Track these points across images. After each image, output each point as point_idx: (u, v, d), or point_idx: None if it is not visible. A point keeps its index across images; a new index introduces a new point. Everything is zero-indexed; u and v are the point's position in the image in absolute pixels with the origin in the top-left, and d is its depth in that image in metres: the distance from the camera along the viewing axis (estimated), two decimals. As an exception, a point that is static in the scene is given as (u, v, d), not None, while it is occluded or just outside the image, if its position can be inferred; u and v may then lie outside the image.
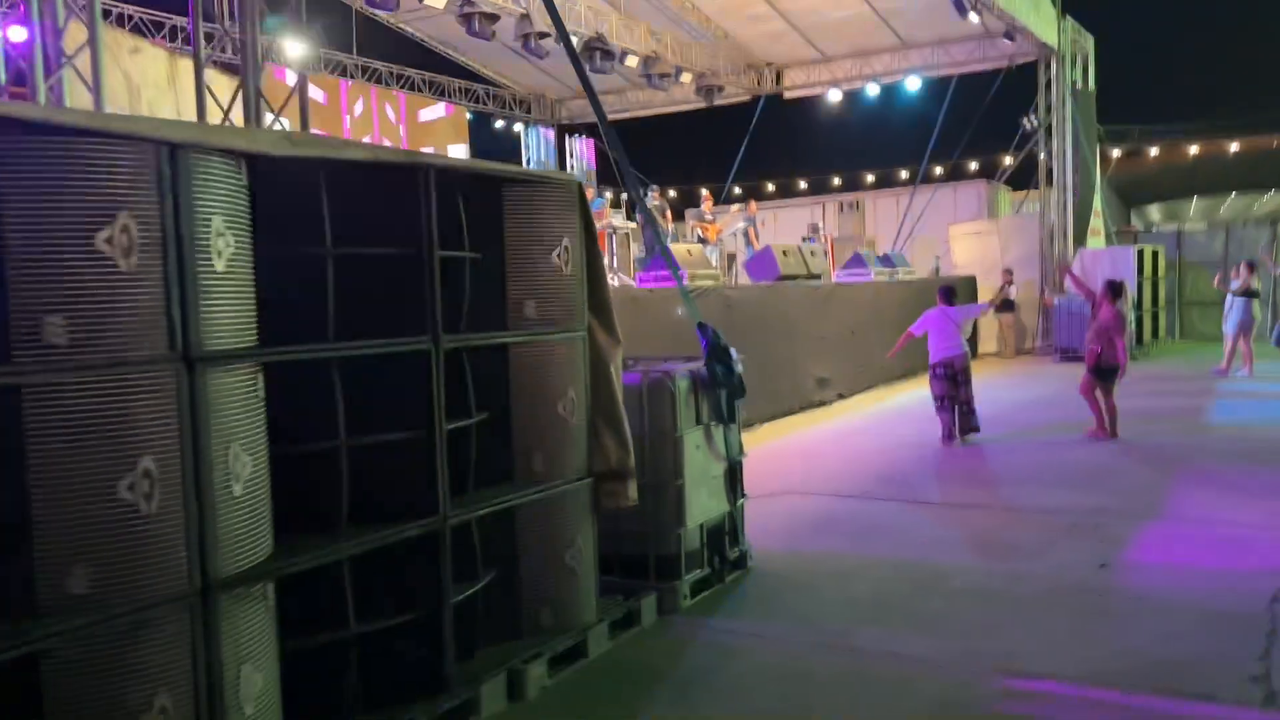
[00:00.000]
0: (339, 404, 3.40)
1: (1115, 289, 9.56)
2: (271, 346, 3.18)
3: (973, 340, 16.57)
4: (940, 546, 6.07)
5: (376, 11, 16.05)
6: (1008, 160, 22.87)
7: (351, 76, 20.06)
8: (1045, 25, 18.57)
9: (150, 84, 5.31)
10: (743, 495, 5.66)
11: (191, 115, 5.26)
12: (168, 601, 2.72)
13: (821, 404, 12.83)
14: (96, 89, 4.40)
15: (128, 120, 2.68)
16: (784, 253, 12.72)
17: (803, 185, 28.47)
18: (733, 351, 5.66)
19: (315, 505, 3.44)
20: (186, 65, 5.37)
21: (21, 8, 5.24)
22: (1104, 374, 9.40)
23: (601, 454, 4.49)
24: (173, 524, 2.73)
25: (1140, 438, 9.33)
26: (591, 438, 4.46)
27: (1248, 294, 13.92)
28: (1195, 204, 33.70)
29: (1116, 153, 30.86)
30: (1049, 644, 4.42)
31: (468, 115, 22.45)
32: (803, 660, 4.37)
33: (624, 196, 20.22)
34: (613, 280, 12.73)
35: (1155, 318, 20.06)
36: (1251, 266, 14.27)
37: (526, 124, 22.25)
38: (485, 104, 23.55)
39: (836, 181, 27.98)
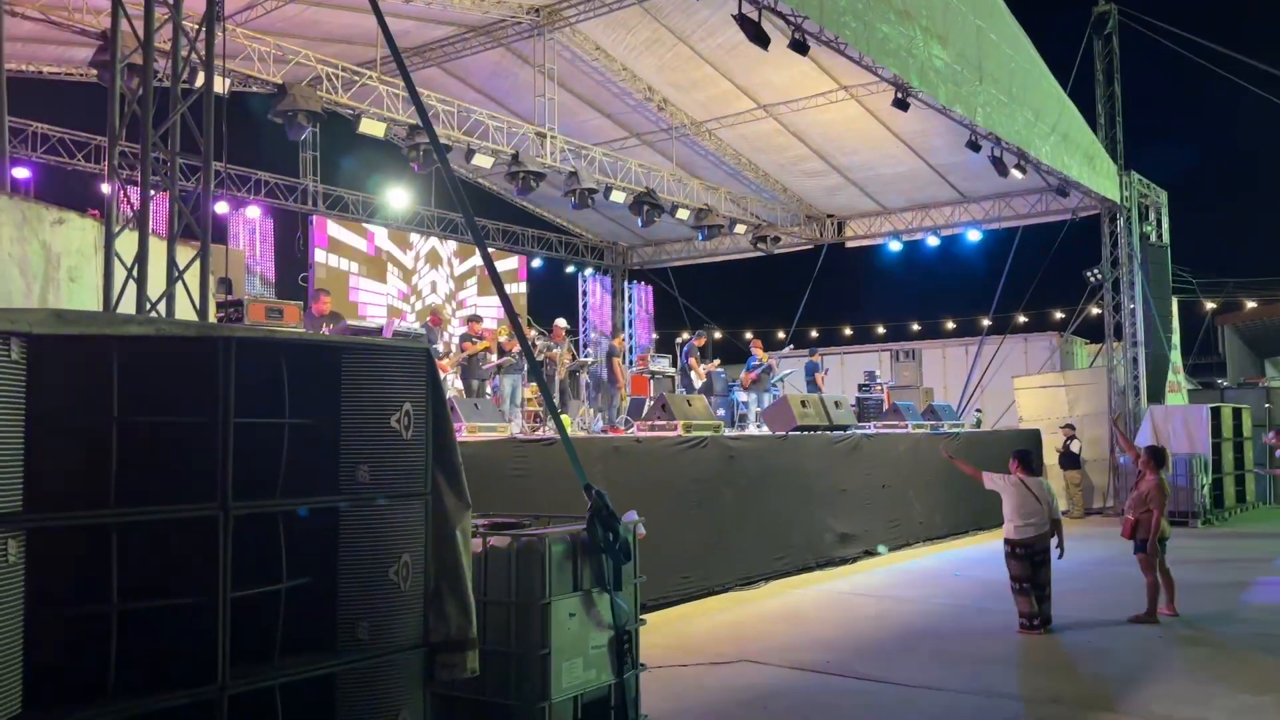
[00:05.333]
0: (113, 567, 3.49)
1: (1158, 456, 9.04)
2: (47, 512, 3.33)
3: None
4: (859, 732, 5.70)
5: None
6: (1086, 311, 22.33)
7: (429, 226, 21.19)
8: (1104, 181, 18.36)
9: (74, 252, 5.81)
10: (634, 667, 5.47)
11: (119, 280, 5.69)
12: None
13: (844, 561, 12.39)
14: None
15: None
16: (802, 403, 12.56)
17: (865, 332, 28.33)
18: (632, 514, 5.58)
19: (91, 669, 3.50)
20: (126, 234, 5.87)
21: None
22: (1158, 545, 8.74)
23: (441, 622, 4.44)
24: (-126, 687, 2.83)
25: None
26: (432, 604, 4.42)
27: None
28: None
29: (1211, 305, 29.83)
30: None
31: (536, 262, 23.40)
32: None
33: (679, 340, 20.47)
34: (633, 430, 12.75)
35: (1239, 480, 18.83)
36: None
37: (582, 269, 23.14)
38: (558, 251, 24.45)
39: (898, 329, 27.75)
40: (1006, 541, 8.40)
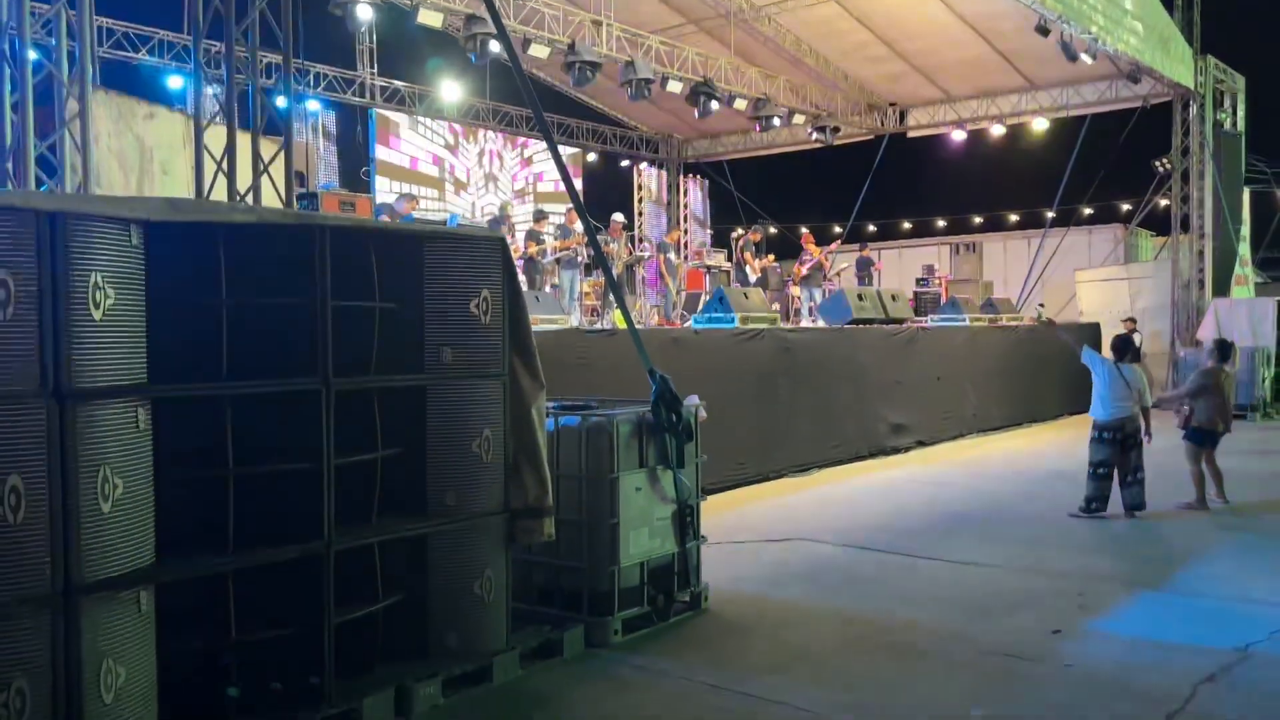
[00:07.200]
0: (229, 435, 3.85)
1: (1223, 349, 9.06)
2: (169, 384, 3.68)
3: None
4: (908, 602, 6.02)
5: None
6: (1153, 202, 21.76)
7: (484, 120, 21.18)
8: (1178, 66, 17.69)
9: (164, 145, 6.06)
10: (696, 538, 5.81)
11: (208, 172, 5.97)
12: (29, 600, 3.21)
13: (896, 451, 12.63)
14: (85, 156, 5.16)
15: (6, 195, 3.22)
16: (859, 296, 12.65)
17: (924, 225, 27.90)
18: (694, 399, 5.85)
19: (213, 527, 3.90)
20: (211, 128, 6.12)
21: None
22: (1200, 437, 8.87)
23: (521, 491, 4.79)
24: (36, 533, 3.22)
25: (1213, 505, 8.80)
26: (511, 475, 4.77)
27: None
28: None
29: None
30: (942, 707, 4.41)
31: (591, 156, 23.34)
32: (695, 700, 4.53)
33: (735, 235, 20.48)
34: (688, 321, 12.99)
35: (1305, 374, 18.55)
36: None
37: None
38: (612, 144, 24.32)
39: (959, 222, 27.28)
40: (1094, 425, 8.52)
